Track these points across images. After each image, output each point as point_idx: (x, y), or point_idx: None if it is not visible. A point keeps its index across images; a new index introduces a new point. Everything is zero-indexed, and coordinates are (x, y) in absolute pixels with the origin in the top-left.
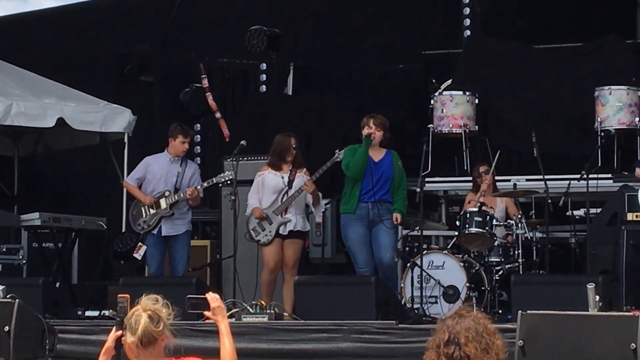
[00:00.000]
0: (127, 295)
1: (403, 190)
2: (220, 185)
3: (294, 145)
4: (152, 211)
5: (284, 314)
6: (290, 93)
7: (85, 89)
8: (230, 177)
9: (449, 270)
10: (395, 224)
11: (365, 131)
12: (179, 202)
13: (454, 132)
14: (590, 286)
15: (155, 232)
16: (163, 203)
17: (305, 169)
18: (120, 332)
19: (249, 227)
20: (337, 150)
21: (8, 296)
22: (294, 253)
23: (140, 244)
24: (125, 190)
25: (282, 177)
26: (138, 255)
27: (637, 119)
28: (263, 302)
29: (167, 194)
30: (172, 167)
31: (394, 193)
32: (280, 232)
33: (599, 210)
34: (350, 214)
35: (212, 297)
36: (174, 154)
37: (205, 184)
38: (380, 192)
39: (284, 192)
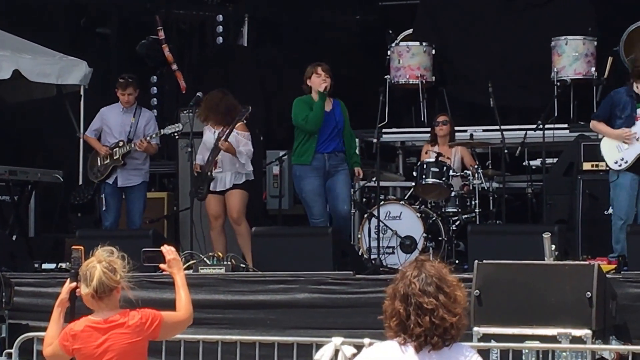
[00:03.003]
0: (81, 247)
1: (355, 142)
2: (175, 136)
3: (223, 102)
4: (106, 161)
5: (241, 265)
6: (245, 44)
7: (41, 42)
8: (178, 129)
9: (406, 220)
10: (358, 177)
11: (320, 84)
12: (132, 152)
13: (410, 82)
14: (546, 235)
15: (110, 182)
16: (116, 153)
17: (240, 124)
18: (74, 284)
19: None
20: (242, 109)
21: None
22: (234, 204)
23: (102, 196)
24: (81, 142)
25: (214, 133)
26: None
27: (593, 69)
28: (220, 254)
29: (120, 144)
30: (125, 118)
31: (347, 144)
32: (211, 188)
33: (555, 160)
34: (305, 165)
35: (168, 250)
36: (124, 104)
37: (153, 135)
38: (334, 142)
39: (213, 149)
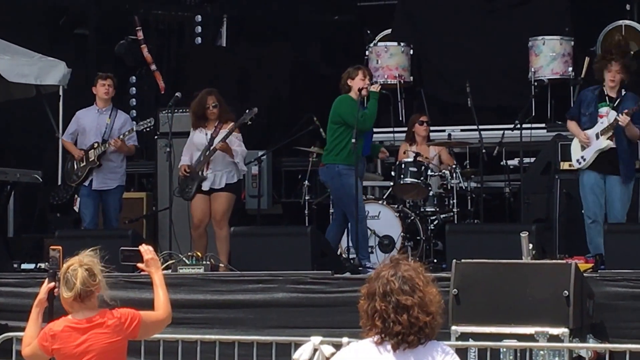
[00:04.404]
0: (60, 247)
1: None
2: (146, 130)
3: (213, 104)
4: (82, 164)
5: (220, 265)
6: (224, 44)
7: (20, 42)
8: (150, 124)
9: (384, 220)
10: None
11: (375, 87)
12: (107, 153)
13: (389, 82)
14: (524, 235)
15: (86, 184)
16: (91, 155)
17: (232, 123)
18: (52, 284)
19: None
20: (248, 110)
21: None
22: (220, 206)
23: (76, 196)
24: (60, 143)
25: (206, 134)
26: (76, 207)
27: (570, 68)
28: (199, 254)
29: (95, 145)
30: (101, 119)
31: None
32: (202, 188)
33: (532, 159)
34: (351, 166)
35: (145, 249)
36: (101, 105)
37: (126, 133)
38: (368, 145)
39: (205, 149)
